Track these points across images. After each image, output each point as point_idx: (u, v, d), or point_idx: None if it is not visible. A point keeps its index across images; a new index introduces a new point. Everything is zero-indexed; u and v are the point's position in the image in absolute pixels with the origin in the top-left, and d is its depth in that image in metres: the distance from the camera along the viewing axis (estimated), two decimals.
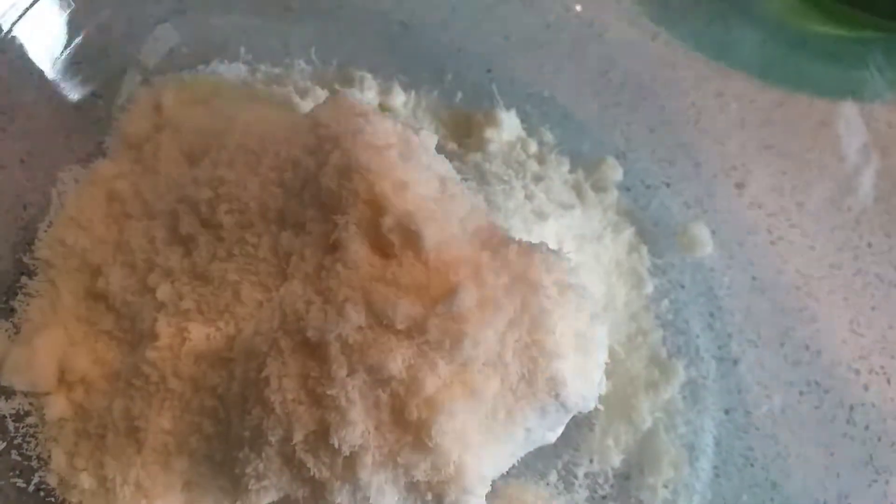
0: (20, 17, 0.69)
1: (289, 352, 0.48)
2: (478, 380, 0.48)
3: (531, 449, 0.54)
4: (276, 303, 0.51)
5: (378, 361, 0.46)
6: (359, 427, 0.46)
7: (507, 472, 0.58)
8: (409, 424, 0.47)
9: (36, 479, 0.57)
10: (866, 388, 0.71)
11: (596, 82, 0.82)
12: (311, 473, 0.47)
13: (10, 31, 0.69)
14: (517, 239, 0.52)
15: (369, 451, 0.47)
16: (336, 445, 0.46)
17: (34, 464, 0.57)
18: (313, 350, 0.48)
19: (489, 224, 0.54)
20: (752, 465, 0.67)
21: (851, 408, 0.70)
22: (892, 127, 0.82)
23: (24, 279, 0.63)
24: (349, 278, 0.48)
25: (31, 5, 0.69)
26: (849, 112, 0.82)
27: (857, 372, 0.71)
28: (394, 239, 0.48)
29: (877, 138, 0.81)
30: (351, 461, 0.47)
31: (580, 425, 0.64)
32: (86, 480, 0.56)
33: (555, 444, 0.62)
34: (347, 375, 0.46)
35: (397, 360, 0.46)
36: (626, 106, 0.81)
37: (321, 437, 0.47)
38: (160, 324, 0.56)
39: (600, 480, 0.65)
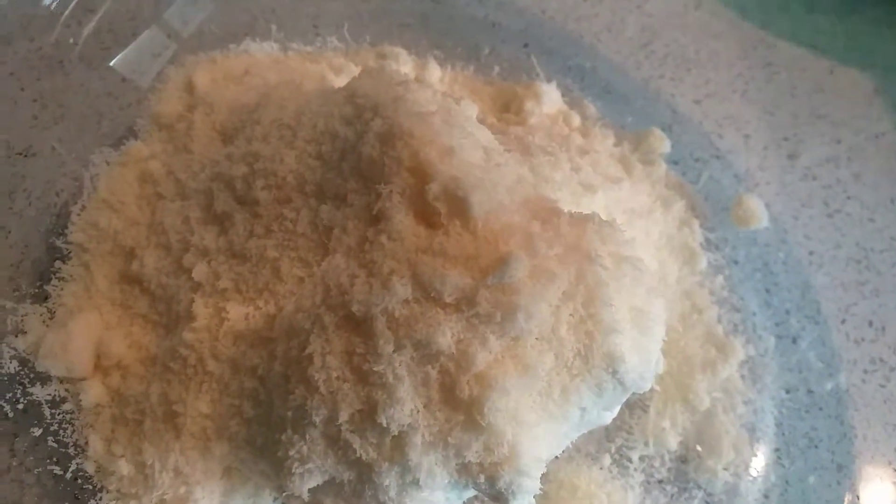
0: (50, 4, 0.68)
1: (332, 328, 0.46)
2: (531, 355, 0.45)
3: (586, 430, 0.52)
4: (318, 278, 0.49)
5: (426, 336, 0.44)
6: (407, 405, 0.44)
7: (559, 456, 0.56)
8: (459, 402, 0.44)
9: (73, 467, 0.55)
10: None
11: (638, 54, 0.80)
12: (358, 455, 0.45)
13: (38, 19, 0.69)
14: (568, 210, 0.50)
15: (418, 430, 0.45)
16: (384, 424, 0.44)
17: (71, 451, 0.56)
18: (358, 325, 0.45)
19: (538, 194, 0.51)
20: (816, 447, 0.64)
21: None
22: None
23: (57, 264, 0.62)
24: (394, 250, 0.46)
25: None
26: None
27: None
28: (440, 207, 0.46)
29: None
30: (399, 441, 0.45)
31: (633, 407, 0.62)
32: (124, 467, 0.55)
33: (607, 427, 0.60)
34: (394, 351, 0.44)
35: (446, 335, 0.44)
36: (670, 78, 0.79)
37: (368, 416, 0.45)
38: (197, 305, 0.55)
39: (656, 464, 0.62)
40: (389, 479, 0.46)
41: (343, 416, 0.45)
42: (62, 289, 0.61)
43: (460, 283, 0.44)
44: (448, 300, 0.44)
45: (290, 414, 0.47)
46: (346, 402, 0.45)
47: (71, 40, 0.71)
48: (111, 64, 0.71)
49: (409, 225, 0.47)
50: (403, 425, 0.44)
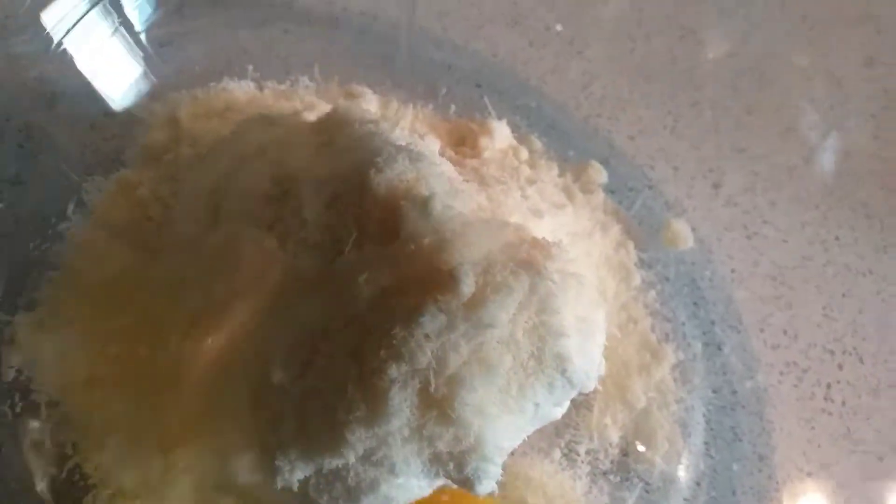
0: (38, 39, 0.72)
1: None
2: (493, 357, 0.52)
3: (539, 425, 0.58)
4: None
5: (410, 358, 0.50)
6: (404, 414, 0.50)
7: (514, 452, 0.62)
8: (433, 400, 0.50)
9: (70, 465, 0.59)
10: (841, 367, 0.76)
11: (578, 95, 0.88)
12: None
13: (24, 53, 0.73)
14: (523, 228, 0.57)
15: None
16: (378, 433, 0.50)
17: (68, 450, 0.60)
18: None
19: (495, 216, 0.58)
20: (740, 440, 0.71)
21: (829, 386, 0.75)
22: (851, 131, 0.89)
23: (51, 277, 0.66)
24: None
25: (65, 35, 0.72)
26: (812, 118, 0.89)
27: (832, 353, 0.76)
28: (414, 229, 0.53)
29: (840, 142, 0.88)
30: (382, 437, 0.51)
31: (579, 406, 0.69)
32: (118, 467, 0.59)
33: (556, 425, 0.66)
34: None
35: (427, 354, 0.50)
36: (608, 116, 0.87)
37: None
38: (186, 319, 0.59)
39: (601, 456, 0.69)
40: (367, 467, 0.52)
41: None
42: (55, 303, 0.64)
43: (436, 323, 0.50)
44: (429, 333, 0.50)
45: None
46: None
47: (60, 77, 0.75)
48: (95, 98, 0.74)
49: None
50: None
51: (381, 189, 0.55)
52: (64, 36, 0.72)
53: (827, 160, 0.87)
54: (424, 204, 0.54)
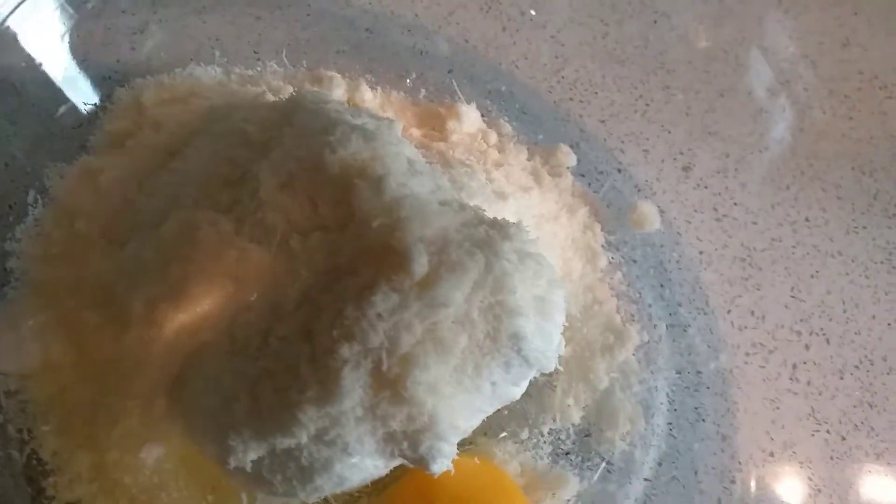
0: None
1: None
2: (448, 336, 0.52)
3: (499, 405, 0.58)
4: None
5: (362, 338, 0.50)
6: (357, 394, 0.50)
7: (487, 434, 0.63)
8: (386, 380, 0.50)
9: (28, 451, 0.60)
10: (807, 347, 0.76)
11: (550, 79, 0.87)
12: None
13: None
14: (481, 210, 0.57)
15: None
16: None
17: (25, 436, 0.60)
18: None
19: (456, 198, 0.58)
20: (703, 420, 0.72)
21: (794, 366, 0.75)
22: (825, 112, 0.89)
23: (14, 267, 0.66)
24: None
25: (9, 15, 0.72)
26: (784, 100, 0.89)
27: (799, 334, 0.77)
28: (367, 208, 0.53)
29: (813, 123, 0.88)
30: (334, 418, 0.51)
31: (542, 387, 0.69)
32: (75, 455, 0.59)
33: (525, 405, 0.67)
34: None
35: (379, 333, 0.50)
36: (579, 100, 0.86)
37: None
38: (144, 305, 0.59)
39: (562, 437, 0.69)
40: (320, 447, 0.52)
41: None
42: (16, 291, 0.65)
43: (389, 302, 0.50)
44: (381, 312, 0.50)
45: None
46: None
47: (23, 64, 0.75)
48: (62, 86, 0.74)
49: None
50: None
51: (334, 168, 0.55)
52: (18, 19, 0.71)
53: (799, 142, 0.87)
54: (378, 182, 0.54)
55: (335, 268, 0.53)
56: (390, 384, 0.51)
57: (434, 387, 0.52)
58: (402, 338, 0.51)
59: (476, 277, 0.53)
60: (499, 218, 0.57)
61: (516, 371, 0.56)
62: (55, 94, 0.74)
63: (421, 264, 0.51)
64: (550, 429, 0.68)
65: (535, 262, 0.56)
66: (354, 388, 0.50)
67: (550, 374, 0.65)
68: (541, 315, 0.57)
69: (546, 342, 0.57)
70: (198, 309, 0.58)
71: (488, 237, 0.55)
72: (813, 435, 0.73)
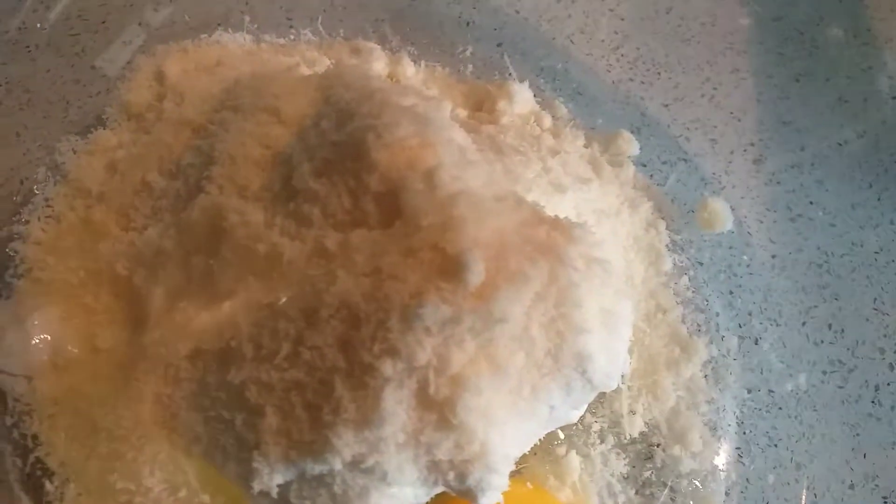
0: None
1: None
2: (503, 354, 0.46)
3: (553, 428, 0.53)
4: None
5: (407, 355, 0.44)
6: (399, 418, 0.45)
7: (537, 455, 0.58)
8: (433, 402, 0.45)
9: (32, 459, 0.55)
10: (892, 367, 0.69)
11: (609, 56, 0.81)
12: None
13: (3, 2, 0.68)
14: (542, 208, 0.50)
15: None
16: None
17: (29, 443, 0.56)
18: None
19: (512, 192, 0.52)
20: (775, 446, 0.66)
21: (877, 388, 0.69)
22: None
23: (20, 254, 0.61)
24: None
25: None
26: (865, 88, 0.81)
27: (882, 351, 0.70)
28: (417, 203, 0.46)
29: (889, 113, 0.80)
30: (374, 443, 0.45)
31: (604, 401, 0.63)
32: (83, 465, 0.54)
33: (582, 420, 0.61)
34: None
35: (426, 350, 0.44)
36: (640, 81, 0.80)
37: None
38: (162, 301, 0.54)
39: (623, 458, 0.63)
40: (356, 474, 0.46)
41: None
42: (22, 281, 0.60)
43: (439, 315, 0.44)
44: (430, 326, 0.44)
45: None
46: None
47: (38, 25, 0.70)
48: (80, 51, 0.70)
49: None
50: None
51: (380, 156, 0.48)
52: None
53: (883, 135, 0.79)
54: (430, 175, 0.47)
55: (377, 271, 0.46)
56: (437, 408, 0.45)
57: (486, 412, 0.46)
58: (453, 356, 0.45)
59: (538, 288, 0.47)
60: (560, 216, 0.51)
61: (578, 393, 0.50)
62: (71, 61, 0.70)
63: (477, 272, 0.44)
64: (609, 448, 0.62)
65: (602, 270, 0.50)
66: (396, 410, 0.45)
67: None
68: (607, 330, 0.51)
69: (611, 360, 0.51)
70: (222, 308, 0.52)
71: (551, 240, 0.48)
72: None
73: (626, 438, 0.63)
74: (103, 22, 0.72)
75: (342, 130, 0.50)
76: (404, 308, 0.44)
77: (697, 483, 0.62)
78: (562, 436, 0.61)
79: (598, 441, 0.62)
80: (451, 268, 0.45)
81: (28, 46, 0.70)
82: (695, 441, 0.63)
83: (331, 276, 0.47)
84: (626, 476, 0.62)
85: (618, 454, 0.63)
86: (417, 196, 0.47)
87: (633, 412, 0.63)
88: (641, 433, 0.63)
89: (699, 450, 0.63)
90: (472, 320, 0.44)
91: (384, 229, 0.48)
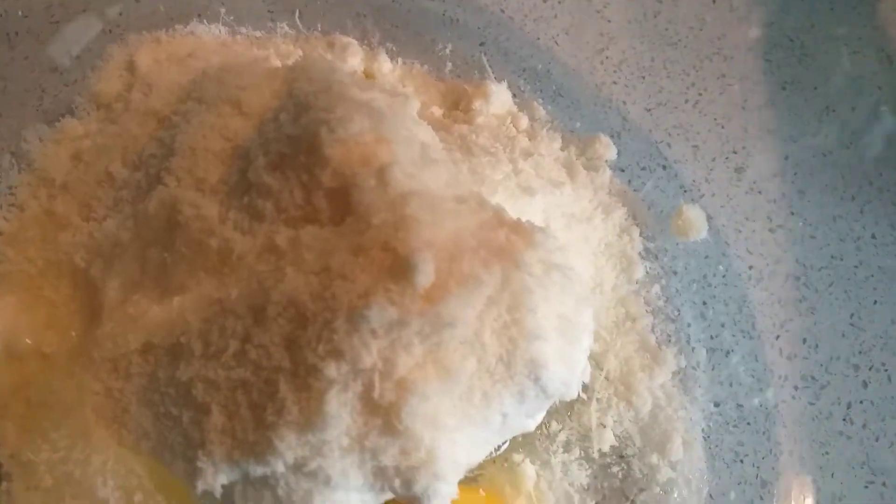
0: None
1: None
2: (453, 359, 0.45)
3: (509, 437, 0.52)
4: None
5: (352, 358, 0.43)
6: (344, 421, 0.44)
7: (496, 462, 0.57)
8: (377, 407, 0.44)
9: None
10: (865, 384, 0.68)
11: (593, 59, 0.79)
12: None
13: None
14: (502, 210, 0.49)
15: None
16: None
17: None
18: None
19: (475, 193, 0.50)
20: (741, 462, 0.64)
21: (849, 405, 0.67)
22: None
23: None
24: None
25: None
26: (853, 97, 0.79)
27: (857, 367, 0.68)
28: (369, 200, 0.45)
29: (885, 126, 0.78)
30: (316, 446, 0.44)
31: (570, 404, 0.61)
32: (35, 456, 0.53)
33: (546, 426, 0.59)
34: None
35: (372, 353, 0.43)
36: (624, 84, 0.78)
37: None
38: (116, 293, 0.53)
39: (587, 465, 0.62)
40: (299, 478, 0.45)
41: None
42: None
43: (386, 318, 0.43)
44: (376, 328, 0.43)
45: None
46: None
47: (20, 13, 0.69)
48: (57, 40, 0.69)
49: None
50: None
51: (332, 152, 0.47)
52: None
53: (869, 146, 0.78)
54: (382, 172, 0.46)
55: (327, 269, 0.45)
56: (382, 412, 0.44)
57: (434, 418, 0.45)
58: (399, 360, 0.44)
59: (491, 293, 0.45)
60: (523, 220, 0.50)
61: (532, 402, 0.49)
62: (47, 48, 0.70)
63: (426, 273, 0.43)
64: (573, 459, 0.61)
65: (561, 276, 0.49)
66: (340, 414, 0.44)
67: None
68: (564, 338, 0.49)
69: (568, 369, 0.50)
70: (174, 302, 0.51)
71: (509, 244, 0.47)
72: (867, 487, 0.65)
73: (594, 452, 0.62)
74: (84, 10, 0.71)
75: (297, 123, 0.49)
76: (351, 309, 0.43)
77: (659, 497, 0.61)
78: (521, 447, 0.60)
79: (562, 450, 0.61)
80: (399, 269, 0.44)
81: (8, 34, 0.69)
82: (673, 450, 0.61)
83: (280, 274, 0.46)
84: (586, 487, 0.61)
85: (580, 465, 0.61)
86: (369, 193, 0.46)
87: (602, 425, 0.62)
88: (612, 447, 0.62)
89: (678, 458, 0.62)
90: (420, 324, 0.43)
91: (335, 226, 0.47)
